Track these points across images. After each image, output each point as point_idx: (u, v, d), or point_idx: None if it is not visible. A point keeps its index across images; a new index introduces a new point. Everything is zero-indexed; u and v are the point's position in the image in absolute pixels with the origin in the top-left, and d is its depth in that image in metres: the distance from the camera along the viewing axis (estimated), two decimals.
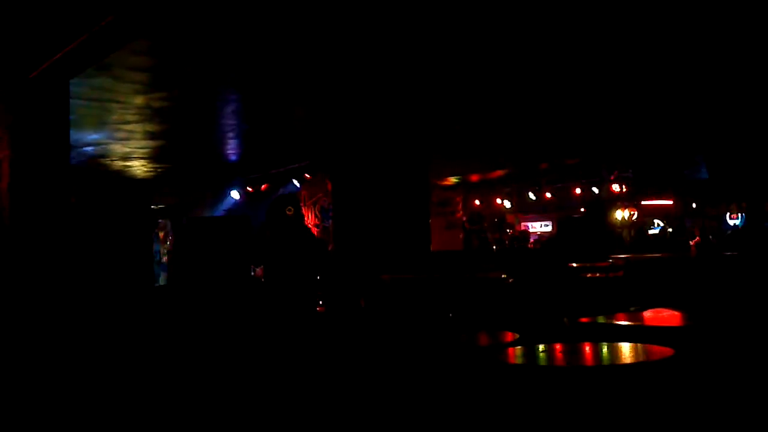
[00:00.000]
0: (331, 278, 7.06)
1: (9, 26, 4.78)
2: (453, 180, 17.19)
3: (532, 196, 17.37)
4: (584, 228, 12.38)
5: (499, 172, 16.63)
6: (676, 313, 5.81)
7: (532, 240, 17.11)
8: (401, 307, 8.15)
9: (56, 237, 5.27)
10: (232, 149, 12.40)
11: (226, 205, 16.04)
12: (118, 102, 8.19)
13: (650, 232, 16.26)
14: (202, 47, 6.33)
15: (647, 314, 5.88)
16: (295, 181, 14.54)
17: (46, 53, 4.75)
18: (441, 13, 5.52)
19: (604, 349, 4.63)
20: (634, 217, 15.49)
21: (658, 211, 16.78)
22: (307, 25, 5.75)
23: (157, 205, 14.46)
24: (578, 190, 16.31)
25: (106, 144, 10.90)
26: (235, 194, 15.57)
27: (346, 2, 5.27)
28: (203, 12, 5.04)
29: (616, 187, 15.34)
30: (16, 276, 5.14)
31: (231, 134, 10.93)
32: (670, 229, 16.27)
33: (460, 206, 18.41)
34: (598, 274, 9.04)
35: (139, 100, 8.13)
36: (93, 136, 10.25)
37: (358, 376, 4.66)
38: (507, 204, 18.26)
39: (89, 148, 11.13)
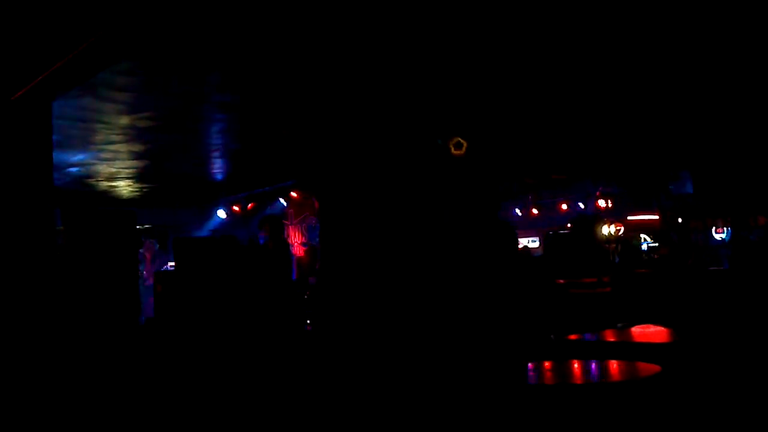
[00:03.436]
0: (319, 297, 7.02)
1: None
2: None
3: (518, 212, 17.41)
4: (571, 244, 12.41)
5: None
6: (663, 329, 5.82)
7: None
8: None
9: (39, 261, 5.20)
10: (218, 168, 12.37)
11: (212, 224, 15.98)
12: (102, 122, 8.16)
13: (642, 247, 16.31)
14: (186, 67, 6.32)
15: (635, 330, 5.89)
16: (282, 200, 14.52)
17: (28, 75, 4.72)
18: (416, 25, 5.53)
19: (593, 367, 4.63)
20: (620, 232, 15.55)
21: (644, 227, 16.85)
22: (291, 45, 5.75)
23: (142, 225, 14.39)
24: (564, 206, 16.36)
25: (92, 165, 10.86)
26: (221, 213, 15.52)
27: (327, 22, 5.28)
28: (188, 32, 5.04)
29: (602, 203, 15.41)
30: None
31: (216, 153, 10.91)
32: (656, 244, 16.33)
33: None
34: (585, 290, 9.06)
35: (123, 120, 8.10)
36: (78, 157, 10.21)
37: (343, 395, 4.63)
38: None
39: (74, 169, 11.07)
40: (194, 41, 5.39)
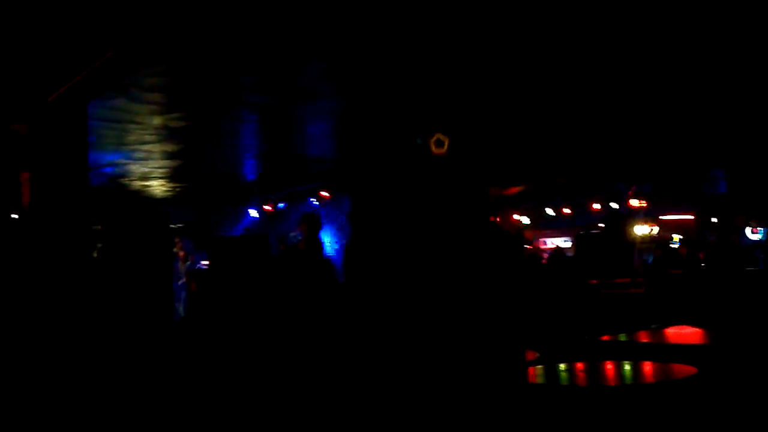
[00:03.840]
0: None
1: (28, 52, 4.84)
2: None
3: (550, 212, 17.27)
4: (603, 244, 12.29)
5: (516, 189, 16.57)
6: (698, 330, 5.74)
7: (545, 256, 17.01)
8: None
9: (76, 258, 5.28)
10: (249, 168, 12.45)
11: (244, 223, 16.08)
12: (135, 123, 8.25)
13: (673, 246, 16.10)
14: (218, 68, 6.36)
15: (669, 332, 5.81)
16: (313, 200, 14.55)
17: (64, 77, 4.79)
18: (447, 25, 5.51)
19: (626, 368, 4.57)
20: (655, 232, 15.36)
21: (677, 227, 16.64)
22: (321, 43, 5.77)
23: (175, 224, 14.52)
24: (597, 206, 16.19)
25: (125, 164, 10.99)
26: (253, 212, 15.61)
27: (356, 23, 5.28)
28: (220, 33, 5.07)
29: (634, 202, 15.22)
30: (32, 295, 5.14)
31: (248, 154, 10.98)
32: (689, 245, 16.12)
33: None
34: (618, 291, 8.96)
35: (156, 120, 8.18)
36: (112, 157, 10.33)
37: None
38: (525, 220, 18.16)
39: (108, 169, 11.21)
40: (226, 43, 5.43)
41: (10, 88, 5.18)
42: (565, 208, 17.02)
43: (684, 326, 5.88)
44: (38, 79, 5.06)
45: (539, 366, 4.62)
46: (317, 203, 14.60)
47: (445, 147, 6.86)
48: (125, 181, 12.52)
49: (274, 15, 4.92)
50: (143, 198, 14.48)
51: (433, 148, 6.84)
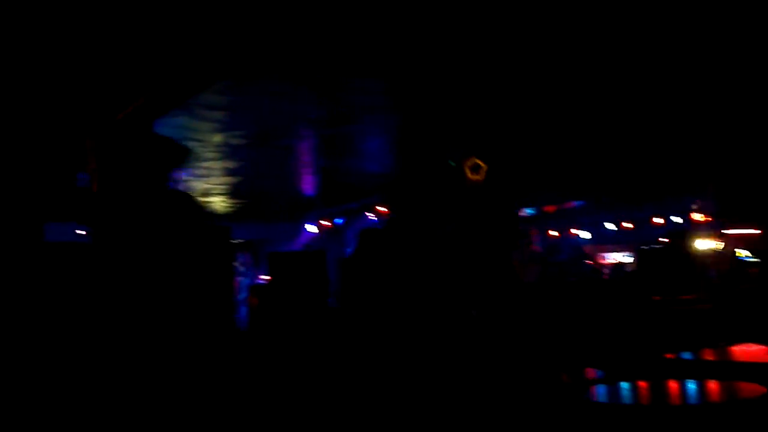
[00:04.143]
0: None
1: (97, 72, 5.01)
2: (528, 211, 16.99)
3: (610, 226, 17.01)
4: (666, 259, 12.03)
5: (576, 203, 16.38)
6: (767, 348, 5.57)
7: (606, 271, 16.73)
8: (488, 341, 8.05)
9: (142, 273, 5.41)
10: (308, 184, 12.58)
11: (302, 239, 16.23)
12: (197, 140, 8.43)
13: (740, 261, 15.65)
14: (278, 85, 6.47)
15: (737, 349, 5.66)
16: (370, 215, 14.61)
17: (131, 96, 4.95)
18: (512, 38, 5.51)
19: (692, 387, 4.47)
20: (720, 246, 14.97)
21: (743, 240, 16.19)
22: (381, 62, 5.82)
23: (236, 240, 14.74)
24: (658, 220, 15.88)
25: (187, 181, 11.21)
26: (311, 228, 15.74)
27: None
28: (282, 52, 5.16)
29: (697, 216, 14.88)
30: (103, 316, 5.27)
31: (307, 169, 11.10)
32: (757, 260, 15.65)
33: (537, 238, 18.15)
34: (683, 307, 8.76)
35: (217, 138, 8.35)
36: (174, 173, 10.54)
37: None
38: (585, 235, 17.92)
39: (170, 185, 11.44)
40: (287, 61, 5.52)
41: (81, 106, 5.36)
42: (626, 222, 16.74)
43: (752, 344, 5.72)
44: (107, 98, 5.23)
45: (602, 384, 4.55)
46: (375, 218, 14.65)
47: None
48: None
49: (339, 35, 4.99)
50: (204, 213, 14.75)
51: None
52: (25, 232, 5.95)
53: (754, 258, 15.79)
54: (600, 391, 4.38)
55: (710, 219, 14.85)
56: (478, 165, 6.54)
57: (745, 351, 5.57)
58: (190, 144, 8.60)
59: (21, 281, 5.38)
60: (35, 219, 5.95)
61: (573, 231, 18.04)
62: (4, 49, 4.58)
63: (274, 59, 5.24)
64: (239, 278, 12.89)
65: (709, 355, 5.46)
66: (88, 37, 4.39)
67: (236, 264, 12.62)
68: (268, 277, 8.65)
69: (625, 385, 4.49)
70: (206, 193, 12.52)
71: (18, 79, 4.99)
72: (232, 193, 12.60)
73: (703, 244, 14.76)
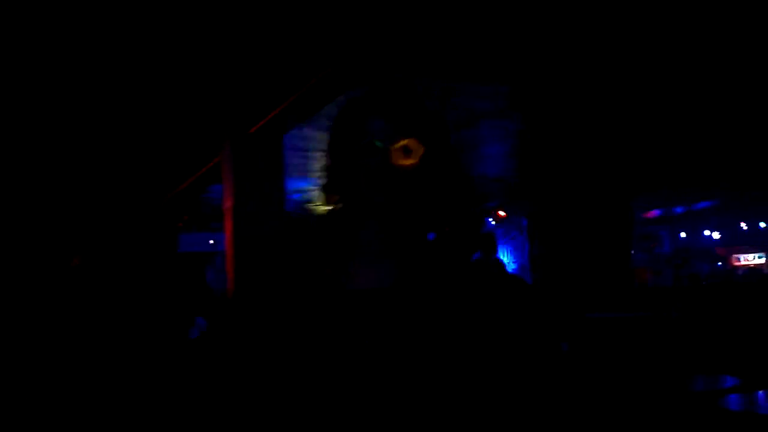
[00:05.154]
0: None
1: (232, 88, 5.24)
2: (656, 212, 16.48)
3: (744, 226, 16.24)
4: None
5: (707, 202, 15.74)
6: None
7: (740, 273, 15.97)
8: (607, 347, 7.89)
9: (277, 287, 5.62)
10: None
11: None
12: (322, 151, 8.65)
13: None
14: (410, 97, 6.55)
15: None
16: (489, 219, 14.56)
17: (263, 111, 5.16)
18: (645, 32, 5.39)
19: None
20: None
21: None
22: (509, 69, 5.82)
23: None
24: None
25: (311, 191, 11.52)
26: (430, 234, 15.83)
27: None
28: (415, 63, 5.22)
29: None
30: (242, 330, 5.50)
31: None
32: None
33: (665, 240, 17.55)
34: None
35: None
36: (300, 184, 10.87)
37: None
38: (716, 236, 17.17)
39: (296, 195, 11.80)
40: (419, 72, 5.57)
41: (216, 120, 5.63)
42: (762, 222, 15.94)
43: None
44: (241, 113, 5.48)
45: (739, 393, 4.40)
46: (493, 222, 14.59)
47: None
48: (310, 206, 13.11)
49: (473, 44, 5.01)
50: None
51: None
52: (161, 243, 6.29)
53: None
54: (734, 400, 4.24)
55: None
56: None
57: None
58: (315, 155, 8.85)
59: (156, 289, 5.70)
60: (170, 231, 6.28)
61: (705, 232, 17.32)
62: (149, 75, 4.86)
63: (403, 67, 5.30)
64: None
65: None
66: (225, 50, 4.56)
67: None
68: None
69: (761, 394, 4.33)
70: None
71: (164, 95, 5.28)
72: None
73: None
